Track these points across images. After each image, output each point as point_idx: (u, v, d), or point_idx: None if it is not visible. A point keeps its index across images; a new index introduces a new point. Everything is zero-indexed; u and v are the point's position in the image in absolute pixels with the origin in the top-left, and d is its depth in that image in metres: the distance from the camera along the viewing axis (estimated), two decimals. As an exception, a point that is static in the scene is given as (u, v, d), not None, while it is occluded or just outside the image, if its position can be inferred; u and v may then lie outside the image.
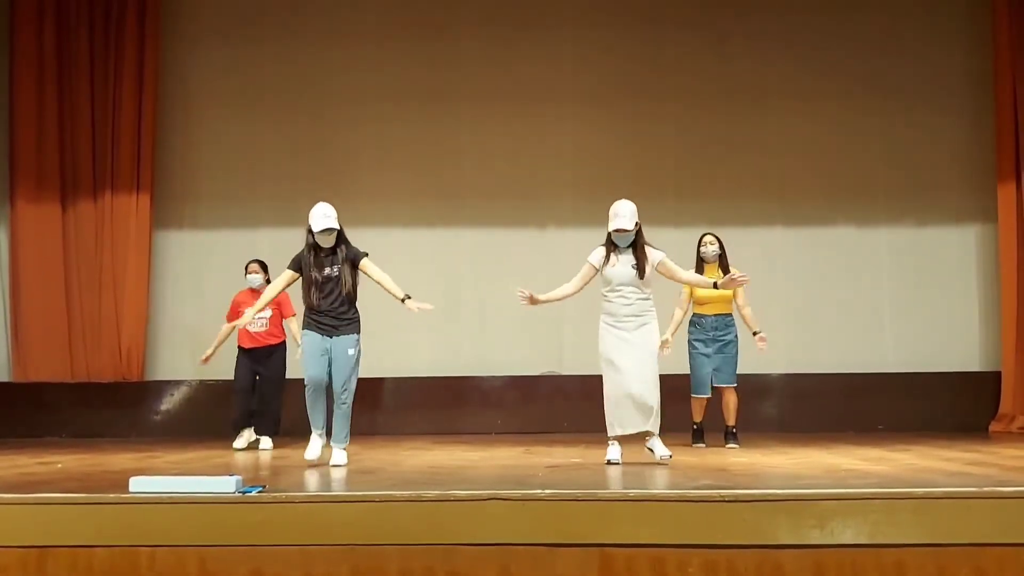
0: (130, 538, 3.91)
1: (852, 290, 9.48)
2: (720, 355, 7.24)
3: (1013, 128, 9.11)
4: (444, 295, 9.53)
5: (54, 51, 9.26)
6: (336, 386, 5.90)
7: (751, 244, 9.33)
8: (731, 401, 7.30)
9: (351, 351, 5.88)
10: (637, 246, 5.77)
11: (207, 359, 7.64)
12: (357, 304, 6.00)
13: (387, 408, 9.38)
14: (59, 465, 5.84)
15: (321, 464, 5.84)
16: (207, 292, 9.28)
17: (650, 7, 9.63)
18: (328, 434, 6.02)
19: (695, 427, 7.38)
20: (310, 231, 5.86)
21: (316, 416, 5.96)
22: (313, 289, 5.86)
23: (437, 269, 9.52)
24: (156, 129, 9.38)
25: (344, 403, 5.89)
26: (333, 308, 5.86)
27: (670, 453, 5.73)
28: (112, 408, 9.13)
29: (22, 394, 9.11)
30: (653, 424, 5.65)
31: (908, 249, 9.51)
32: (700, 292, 7.21)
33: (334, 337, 5.88)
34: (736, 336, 7.31)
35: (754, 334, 7.21)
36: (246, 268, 7.73)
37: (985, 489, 3.92)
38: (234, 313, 7.66)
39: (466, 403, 9.33)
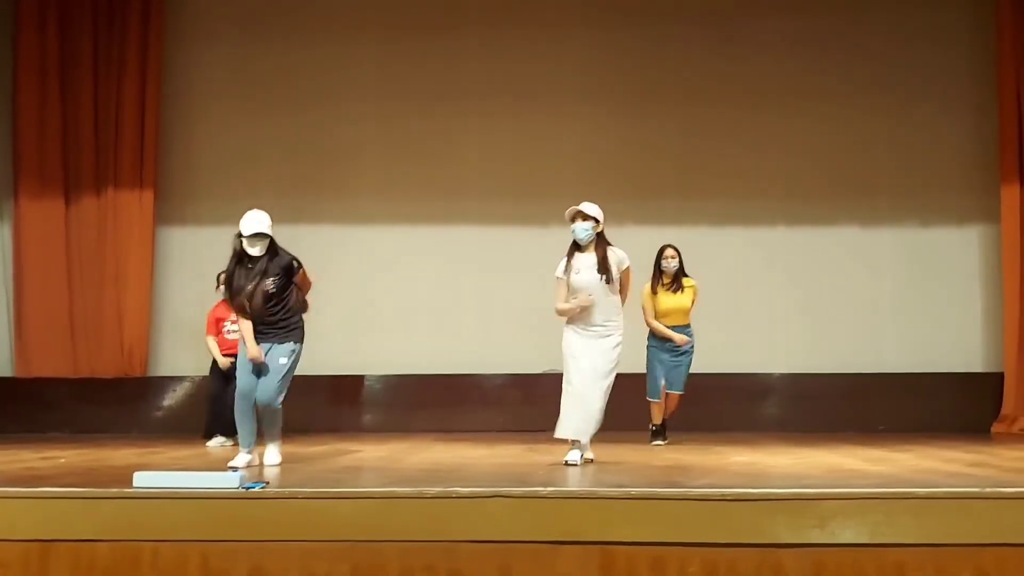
0: (133, 533, 3.92)
1: (854, 290, 9.48)
2: (674, 362, 7.26)
3: (1017, 128, 9.10)
4: (446, 292, 9.55)
5: (58, 48, 9.28)
6: (260, 398, 5.51)
7: (754, 243, 9.35)
8: (672, 404, 7.35)
9: (283, 360, 5.54)
10: (599, 248, 5.54)
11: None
12: (303, 312, 5.69)
13: (388, 405, 9.39)
14: (62, 460, 5.86)
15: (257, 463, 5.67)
16: (209, 289, 9.26)
17: (654, 6, 9.63)
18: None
19: (653, 428, 7.35)
20: (239, 235, 5.56)
21: (243, 429, 5.59)
22: (247, 300, 5.51)
23: (439, 267, 9.53)
24: (159, 126, 9.40)
25: (269, 417, 5.57)
26: (270, 317, 5.53)
27: (580, 460, 5.55)
28: (114, 404, 9.14)
29: (25, 389, 9.12)
30: (583, 433, 5.52)
31: (911, 249, 9.51)
32: (660, 304, 7.26)
33: (271, 345, 5.55)
34: (692, 347, 7.31)
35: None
36: (217, 279, 7.20)
37: (986, 490, 3.92)
38: (212, 327, 7.69)
39: (467, 401, 9.34)
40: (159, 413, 9.30)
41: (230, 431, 7.36)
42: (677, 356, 7.25)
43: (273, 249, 5.63)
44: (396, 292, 9.37)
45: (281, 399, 5.58)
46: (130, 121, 9.29)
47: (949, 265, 9.48)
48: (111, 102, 9.31)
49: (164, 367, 9.42)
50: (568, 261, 5.60)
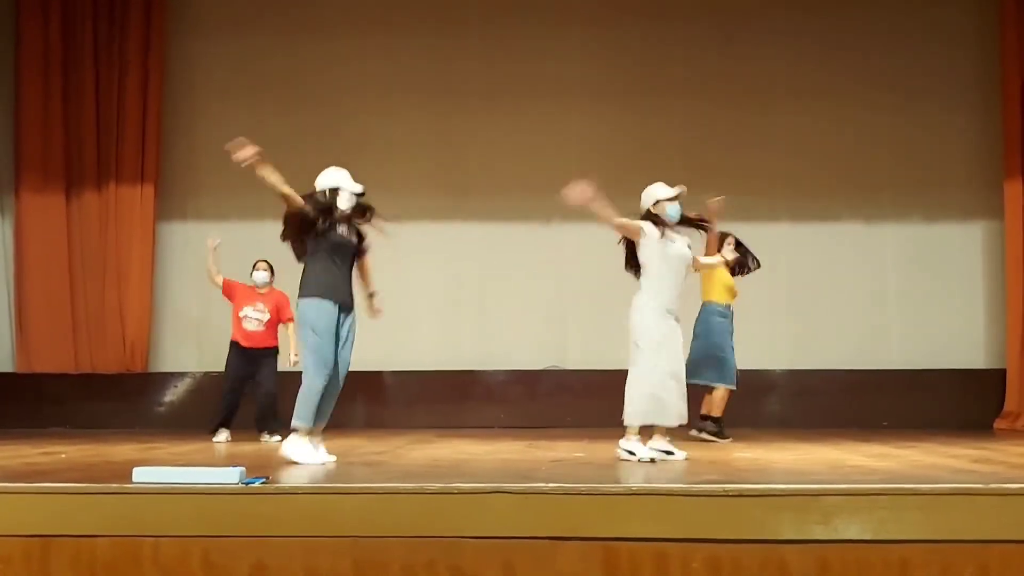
0: (133, 528, 3.90)
1: (857, 286, 9.47)
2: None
3: (1021, 125, 9.10)
4: (449, 289, 9.55)
5: (60, 42, 9.29)
6: (341, 371, 5.32)
7: (757, 239, 9.27)
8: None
9: (354, 333, 5.38)
10: (685, 223, 5.62)
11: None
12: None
13: (390, 401, 9.38)
14: (63, 455, 5.84)
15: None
16: (211, 284, 9.27)
17: (658, 4, 9.62)
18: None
19: (717, 419, 7.25)
20: (334, 191, 5.37)
21: (321, 413, 5.28)
22: (333, 252, 5.29)
23: (442, 263, 9.53)
24: (161, 120, 9.40)
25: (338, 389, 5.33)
26: (349, 280, 5.37)
27: (684, 453, 5.60)
28: (116, 399, 9.15)
29: (26, 385, 9.14)
30: (682, 419, 5.50)
31: (914, 246, 9.51)
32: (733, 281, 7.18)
33: (350, 314, 5.33)
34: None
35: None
36: (253, 265, 7.58)
37: (991, 486, 3.89)
38: (227, 288, 7.58)
39: (469, 397, 9.34)
40: (160, 409, 9.30)
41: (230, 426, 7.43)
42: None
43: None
44: (398, 288, 9.33)
45: None
46: (132, 116, 9.29)
47: (952, 261, 9.48)
48: (113, 97, 9.31)
49: (165, 363, 9.43)
50: (664, 229, 5.54)
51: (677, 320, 5.53)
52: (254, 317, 7.47)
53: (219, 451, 6.49)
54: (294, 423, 5.23)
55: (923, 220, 9.55)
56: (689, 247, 5.63)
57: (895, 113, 9.51)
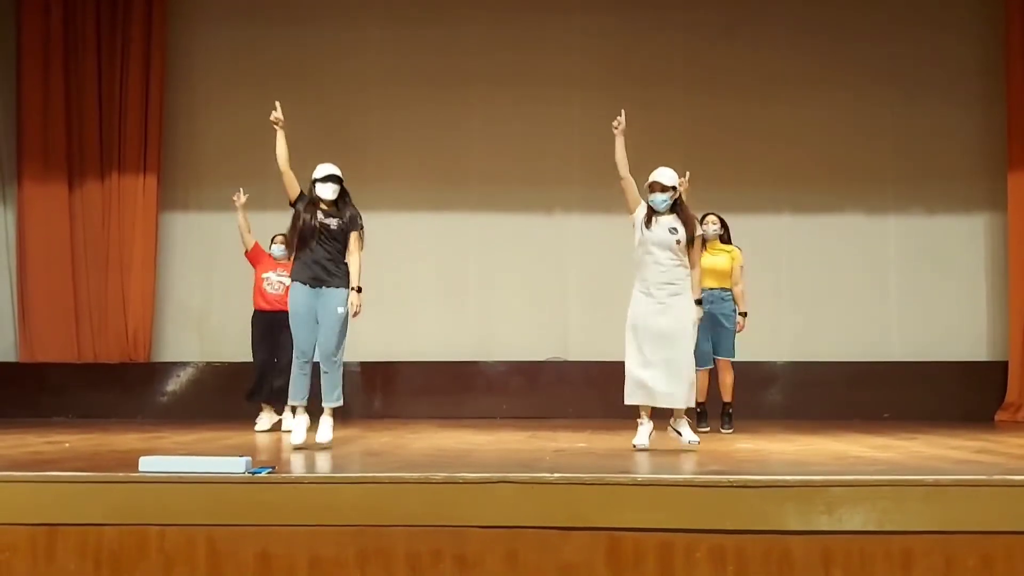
0: (139, 517, 3.92)
1: (860, 278, 9.47)
2: (718, 329, 7.15)
3: (1024, 117, 9.07)
4: (450, 280, 9.55)
5: (61, 32, 9.27)
6: (321, 351, 5.56)
7: (759, 231, 9.31)
8: (727, 378, 7.24)
9: (340, 309, 5.55)
10: (679, 212, 5.60)
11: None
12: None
13: (392, 392, 9.39)
14: (67, 445, 5.85)
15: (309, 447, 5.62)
16: (213, 274, 9.30)
17: (661, -7, 9.60)
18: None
19: (697, 410, 7.15)
20: (313, 182, 5.67)
21: (299, 388, 5.58)
22: (308, 235, 5.56)
23: (443, 254, 9.52)
24: (163, 111, 9.39)
25: (329, 371, 5.58)
26: (329, 258, 5.58)
27: (698, 439, 5.58)
28: (118, 389, 9.15)
29: (29, 374, 9.14)
30: (685, 400, 5.43)
31: (916, 237, 9.50)
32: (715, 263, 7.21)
33: (322, 288, 5.56)
34: (733, 311, 7.24)
35: (741, 314, 7.23)
36: (272, 239, 7.57)
37: (994, 477, 3.91)
38: (255, 252, 7.57)
39: (471, 388, 9.34)
40: (163, 398, 9.31)
41: (275, 402, 7.32)
42: (713, 319, 7.06)
43: (345, 197, 5.73)
44: (399, 279, 9.36)
45: (342, 353, 5.61)
46: (134, 106, 9.27)
47: (954, 253, 9.47)
48: (115, 86, 9.30)
49: (168, 353, 9.43)
50: (649, 215, 5.59)
51: (670, 302, 5.44)
52: (276, 280, 7.43)
53: (223, 443, 6.48)
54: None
55: (925, 212, 9.54)
56: (672, 231, 5.50)
57: (897, 104, 9.49)
